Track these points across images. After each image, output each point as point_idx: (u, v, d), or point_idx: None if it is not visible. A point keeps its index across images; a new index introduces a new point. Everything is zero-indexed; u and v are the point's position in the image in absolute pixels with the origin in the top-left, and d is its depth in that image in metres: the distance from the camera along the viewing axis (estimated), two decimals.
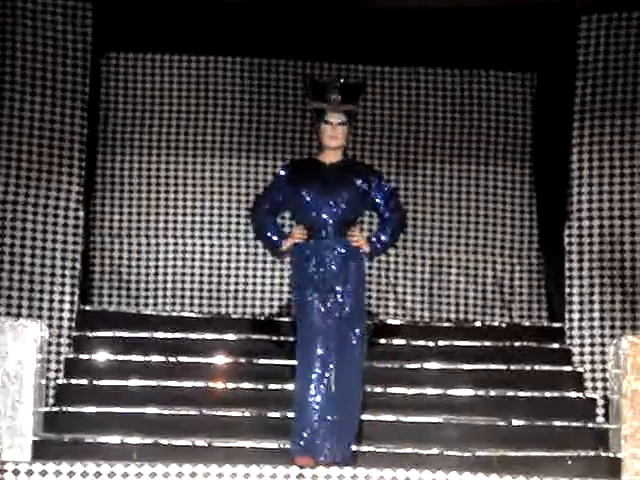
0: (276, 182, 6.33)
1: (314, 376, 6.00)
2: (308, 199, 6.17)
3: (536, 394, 7.04)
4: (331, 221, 6.16)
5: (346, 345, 6.08)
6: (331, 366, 6.02)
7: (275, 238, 6.23)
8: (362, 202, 6.26)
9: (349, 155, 6.50)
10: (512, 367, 7.30)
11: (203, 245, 8.50)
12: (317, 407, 5.99)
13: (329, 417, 6.00)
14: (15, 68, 7.65)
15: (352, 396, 6.11)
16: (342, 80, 6.30)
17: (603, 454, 6.50)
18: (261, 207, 6.29)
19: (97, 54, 8.20)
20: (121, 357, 7.23)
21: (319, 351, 6.00)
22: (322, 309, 6.07)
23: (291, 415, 6.26)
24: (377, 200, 6.25)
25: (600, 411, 7.15)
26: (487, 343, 7.57)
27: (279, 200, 6.27)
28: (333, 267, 6.12)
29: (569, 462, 6.46)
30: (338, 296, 6.10)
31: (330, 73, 8.52)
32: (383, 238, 6.25)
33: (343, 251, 6.17)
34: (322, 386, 6.00)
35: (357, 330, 6.14)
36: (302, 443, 6.02)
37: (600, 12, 7.68)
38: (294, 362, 6.31)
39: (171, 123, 8.57)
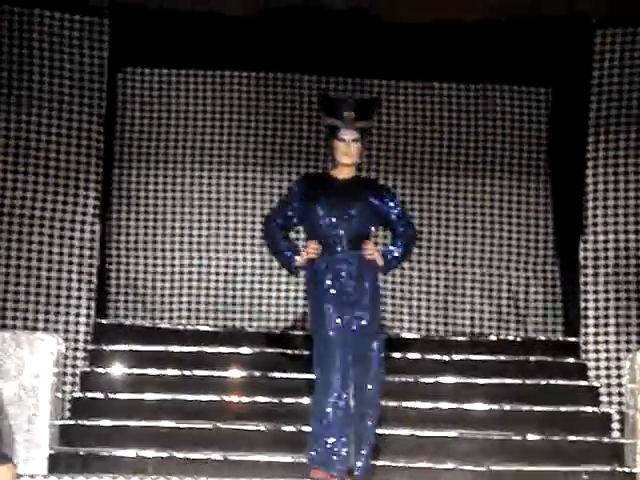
0: (289, 197, 6.34)
1: (333, 390, 5.99)
2: (322, 214, 6.18)
3: (551, 409, 7.03)
4: (345, 235, 6.17)
5: (364, 359, 6.07)
6: (350, 380, 6.01)
7: (288, 254, 6.24)
8: (374, 217, 6.27)
9: (363, 170, 6.51)
10: (527, 381, 7.29)
11: (218, 259, 8.52)
12: (335, 421, 5.97)
13: (347, 432, 5.99)
14: (32, 83, 7.70)
15: (370, 409, 6.10)
16: (356, 97, 6.29)
17: (618, 469, 6.49)
18: (274, 222, 6.30)
19: (114, 69, 8.26)
20: (137, 370, 7.26)
21: (338, 364, 5.99)
22: (339, 323, 6.07)
23: (306, 429, 6.26)
24: (389, 216, 6.26)
25: (616, 426, 7.13)
26: (502, 357, 7.57)
27: (292, 215, 6.28)
28: (349, 281, 6.13)
29: (584, 477, 6.44)
30: (355, 310, 6.10)
31: (345, 87, 8.55)
32: (396, 253, 6.27)
33: (358, 265, 6.17)
34: (341, 401, 5.99)
35: (375, 343, 6.14)
36: (319, 457, 6.01)
37: (615, 27, 7.69)
38: (309, 376, 6.32)
39: (187, 138, 8.61)
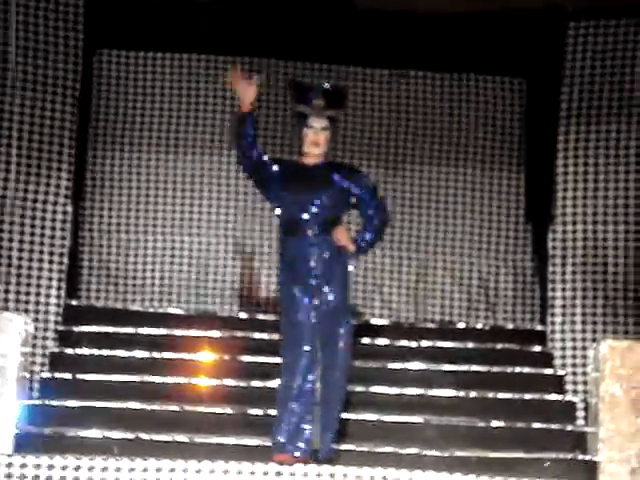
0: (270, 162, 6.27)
1: (299, 373, 6.03)
2: (290, 198, 6.18)
3: (516, 396, 7.09)
4: (314, 220, 6.16)
5: (332, 342, 6.11)
6: (317, 364, 6.05)
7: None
8: (345, 201, 6.26)
9: (335, 157, 6.49)
10: (494, 369, 7.35)
11: (191, 242, 8.54)
12: (301, 404, 6.02)
13: (312, 414, 6.04)
14: (6, 64, 7.69)
15: (336, 393, 6.14)
16: (326, 84, 6.28)
17: (581, 457, 6.54)
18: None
19: (89, 51, 8.25)
20: (106, 352, 7.28)
21: (306, 348, 6.03)
22: (308, 306, 6.09)
23: (273, 412, 6.30)
24: (360, 198, 6.24)
25: (580, 414, 7.20)
26: (470, 345, 7.62)
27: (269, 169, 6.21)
28: (319, 265, 6.14)
29: (547, 464, 6.50)
30: (324, 293, 6.13)
31: (319, 74, 8.57)
32: (367, 237, 6.24)
33: (328, 249, 6.18)
34: (307, 383, 6.03)
35: (343, 328, 6.17)
36: (283, 440, 6.05)
37: (587, 19, 7.74)
38: (277, 360, 6.36)
39: (162, 120, 8.62)
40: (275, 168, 6.21)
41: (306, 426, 6.03)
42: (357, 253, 6.31)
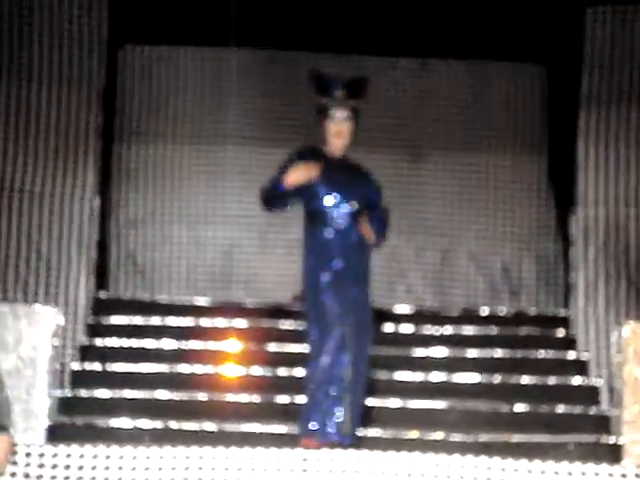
0: (288, 167, 6.34)
1: (330, 360, 6.10)
2: (322, 189, 6.24)
3: (540, 380, 7.14)
4: (344, 212, 6.23)
5: (359, 330, 6.18)
6: (347, 350, 6.12)
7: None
8: (366, 197, 6.33)
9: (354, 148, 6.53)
10: (517, 354, 7.40)
11: (216, 232, 8.63)
12: (332, 390, 6.08)
13: (342, 400, 6.10)
14: (32, 60, 7.79)
15: (361, 380, 6.22)
16: (346, 76, 6.32)
17: (605, 439, 6.59)
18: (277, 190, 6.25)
19: (114, 46, 8.34)
20: (134, 343, 7.39)
21: (335, 336, 6.10)
22: (337, 295, 6.16)
23: (299, 400, 6.37)
24: (372, 199, 6.33)
25: (604, 397, 7.23)
26: (493, 330, 7.67)
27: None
28: (349, 254, 6.21)
29: (571, 447, 6.55)
30: (354, 282, 6.19)
31: (339, 64, 8.60)
32: (380, 230, 6.35)
33: (355, 240, 6.26)
34: (338, 369, 6.09)
35: (369, 316, 6.25)
36: (310, 426, 6.12)
37: (606, 3, 7.74)
38: (303, 348, 6.43)
39: (186, 113, 8.70)
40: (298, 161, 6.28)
41: (336, 411, 6.10)
42: (376, 244, 6.38)
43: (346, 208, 6.21)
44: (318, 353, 6.14)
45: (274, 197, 6.24)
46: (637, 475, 5.71)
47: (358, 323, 6.17)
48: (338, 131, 6.18)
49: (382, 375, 6.99)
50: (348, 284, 6.18)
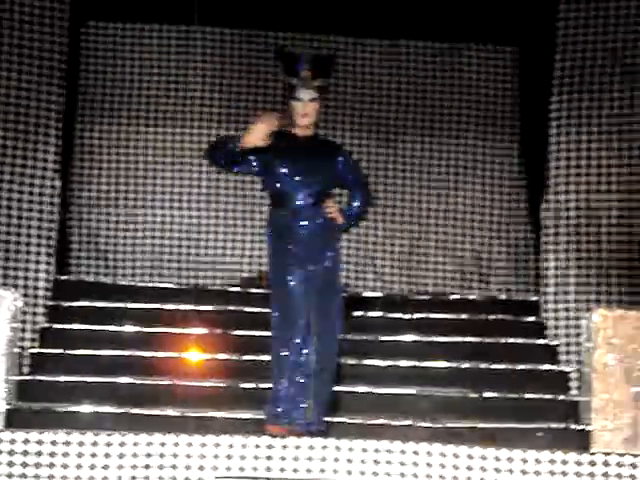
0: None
1: (294, 345, 6.00)
2: (283, 170, 6.14)
3: (510, 367, 7.06)
4: (308, 193, 6.14)
5: (325, 315, 6.08)
6: (311, 336, 6.02)
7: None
8: (332, 176, 6.24)
9: (328, 128, 6.45)
10: (486, 340, 7.32)
11: (181, 216, 8.50)
12: (294, 376, 5.99)
13: (307, 387, 6.00)
14: None
15: (329, 365, 6.11)
16: (312, 54, 6.22)
17: (573, 426, 6.52)
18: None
19: (77, 23, 8.17)
20: (96, 327, 7.23)
21: (299, 319, 6.00)
22: (300, 277, 6.06)
23: (265, 386, 6.26)
24: (347, 176, 6.24)
25: (574, 384, 7.17)
26: (463, 316, 7.59)
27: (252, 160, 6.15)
28: (311, 236, 6.12)
29: (540, 434, 6.49)
30: (317, 265, 6.10)
31: (309, 45, 8.49)
32: (354, 211, 6.26)
33: (319, 221, 6.16)
34: (302, 356, 6.00)
35: (335, 300, 6.15)
36: (275, 412, 6.02)
37: None
38: (269, 333, 6.31)
39: (150, 93, 8.56)
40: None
41: (301, 398, 6.00)
42: (346, 226, 6.29)
43: (308, 189, 6.09)
44: (282, 338, 6.04)
45: (224, 151, 6.00)
46: (605, 463, 5.63)
47: (323, 307, 6.06)
48: (304, 111, 6.10)
49: (350, 361, 6.86)
50: (311, 267, 6.07)
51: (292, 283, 6.06)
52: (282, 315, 6.08)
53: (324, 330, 6.06)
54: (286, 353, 6.00)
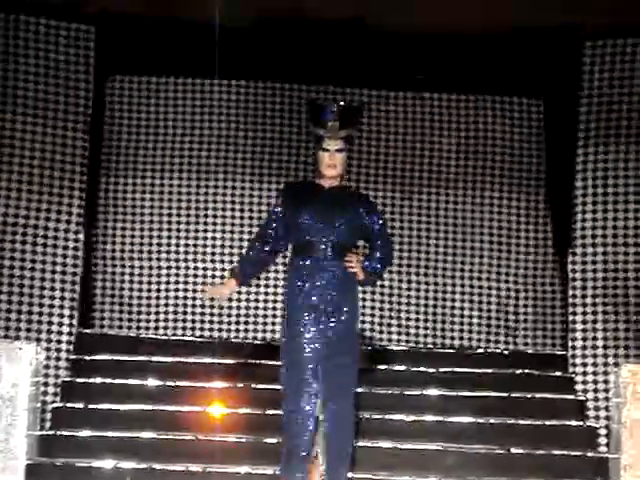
0: (273, 216, 6.18)
1: (303, 401, 5.86)
2: (308, 221, 6.08)
3: (537, 422, 6.94)
4: (329, 244, 6.05)
5: (338, 371, 5.93)
6: (319, 393, 5.87)
7: (248, 270, 6.14)
8: (357, 229, 6.15)
9: (353, 180, 6.39)
10: (513, 394, 7.21)
11: (205, 269, 8.45)
12: (307, 434, 5.86)
13: (320, 444, 5.87)
14: (17, 90, 7.65)
15: (346, 424, 5.96)
16: (339, 105, 6.16)
17: None
18: (259, 248, 6.16)
19: (101, 77, 8.22)
20: (118, 381, 7.18)
21: (307, 376, 5.86)
22: (315, 332, 5.94)
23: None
24: (371, 229, 6.14)
25: (603, 440, 7.05)
26: (489, 370, 7.48)
27: (280, 234, 6.13)
28: (329, 290, 6.01)
29: None
30: (332, 320, 5.99)
31: (335, 97, 8.49)
32: (376, 266, 6.14)
33: (339, 274, 6.06)
34: (309, 409, 5.85)
35: (349, 355, 6.00)
36: (288, 468, 5.89)
37: (605, 38, 7.63)
38: None
39: (174, 146, 8.56)
40: (283, 198, 6.13)
41: (308, 452, 5.85)
42: (365, 282, 6.18)
43: (330, 240, 6.02)
44: (289, 397, 5.89)
45: (253, 262, 6.17)
46: None
47: (337, 362, 5.91)
48: (331, 162, 6.06)
49: (374, 415, 6.77)
50: (325, 319, 5.95)
51: (304, 337, 5.91)
52: (291, 369, 5.93)
53: (336, 386, 5.89)
54: (294, 410, 5.86)
